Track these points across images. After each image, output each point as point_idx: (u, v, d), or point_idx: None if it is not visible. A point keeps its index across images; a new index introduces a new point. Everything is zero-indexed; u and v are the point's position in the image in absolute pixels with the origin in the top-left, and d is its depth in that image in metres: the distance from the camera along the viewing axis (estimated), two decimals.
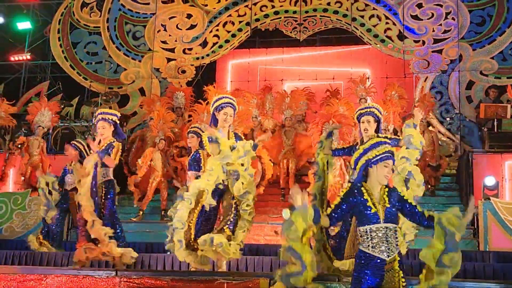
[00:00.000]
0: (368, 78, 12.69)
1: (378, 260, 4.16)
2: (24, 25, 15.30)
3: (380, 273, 4.16)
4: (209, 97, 11.85)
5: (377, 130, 6.29)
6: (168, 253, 7.18)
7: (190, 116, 11.42)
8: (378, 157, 4.27)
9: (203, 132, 7.71)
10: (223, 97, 6.47)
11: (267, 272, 6.88)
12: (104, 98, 13.25)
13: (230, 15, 14.15)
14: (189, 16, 14.33)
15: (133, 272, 6.07)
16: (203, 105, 11.08)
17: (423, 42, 13.13)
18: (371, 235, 4.19)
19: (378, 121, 6.31)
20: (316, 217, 4.16)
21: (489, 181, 9.41)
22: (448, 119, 12.66)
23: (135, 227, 10.07)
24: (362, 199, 4.25)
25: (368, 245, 4.19)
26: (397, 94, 11.61)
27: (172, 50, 14.22)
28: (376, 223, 4.20)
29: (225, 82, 14.97)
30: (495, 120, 11.03)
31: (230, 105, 6.38)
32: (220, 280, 5.57)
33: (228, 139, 6.32)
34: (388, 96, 11.40)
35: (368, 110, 6.32)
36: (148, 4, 14.53)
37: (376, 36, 13.37)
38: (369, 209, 4.22)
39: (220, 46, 14.10)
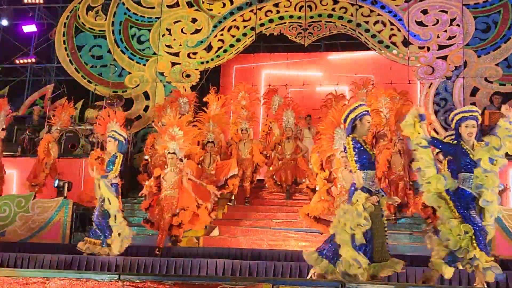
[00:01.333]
0: (373, 84, 12.68)
1: None
2: (29, 28, 15.38)
3: None
4: (209, 103, 11.84)
5: (478, 135, 6.00)
6: None
7: (195, 125, 11.28)
8: None
9: (121, 136, 8.30)
10: (362, 105, 6.20)
11: (270, 277, 6.87)
12: (109, 101, 13.28)
13: (235, 20, 14.17)
14: (194, 20, 14.37)
15: (135, 276, 6.06)
16: (208, 114, 11.09)
17: (428, 49, 13.12)
18: None
19: (478, 125, 6.02)
20: None
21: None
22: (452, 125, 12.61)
23: (137, 230, 10.06)
24: None
25: None
26: (388, 98, 11.46)
27: (176, 54, 14.24)
28: None
29: (229, 87, 15.00)
30: None
31: (369, 113, 6.14)
32: (223, 285, 5.55)
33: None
34: (380, 102, 11.24)
35: (473, 114, 5.97)
36: (153, 8, 14.57)
37: (380, 42, 13.37)
38: None
39: (225, 51, 14.12)
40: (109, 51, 14.50)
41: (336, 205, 8.40)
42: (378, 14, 13.50)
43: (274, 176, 11.44)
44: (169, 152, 9.07)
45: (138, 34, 14.54)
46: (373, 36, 13.44)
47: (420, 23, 13.28)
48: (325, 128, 8.77)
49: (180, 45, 14.28)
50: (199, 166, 10.56)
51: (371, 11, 13.55)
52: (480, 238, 5.66)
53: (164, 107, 12.31)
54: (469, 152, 5.88)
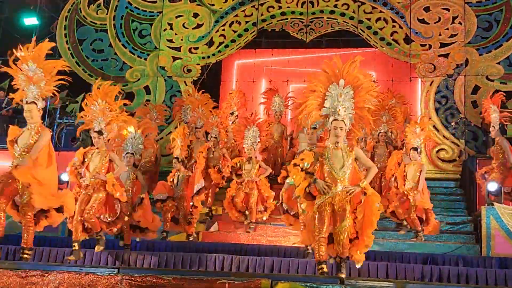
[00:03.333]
0: (374, 81, 12.66)
1: None
2: (30, 21, 15.36)
3: None
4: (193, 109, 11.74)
5: None
6: None
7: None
8: None
9: None
10: None
11: (268, 272, 6.88)
12: None
13: (236, 15, 14.15)
14: (195, 15, 14.34)
15: (135, 270, 6.07)
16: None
17: (430, 46, 13.10)
18: None
19: None
20: None
21: (492, 186, 9.38)
22: (453, 123, 12.64)
23: None
24: None
25: None
26: (395, 101, 11.59)
27: (178, 49, 14.23)
28: None
29: (231, 82, 15.01)
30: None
31: None
32: (222, 280, 5.56)
33: None
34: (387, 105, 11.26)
35: None
36: (155, 2, 14.55)
37: (382, 39, 13.35)
38: None
39: (226, 46, 14.10)
40: (110, 45, 14.46)
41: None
42: (380, 11, 13.47)
43: (234, 201, 10.05)
44: (26, 102, 6.22)
45: (139, 28, 14.51)
46: (375, 33, 13.41)
47: (422, 21, 13.25)
48: (314, 84, 6.57)
49: (182, 39, 14.26)
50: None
51: (373, 8, 13.51)
52: None
53: (148, 111, 11.52)
54: None
